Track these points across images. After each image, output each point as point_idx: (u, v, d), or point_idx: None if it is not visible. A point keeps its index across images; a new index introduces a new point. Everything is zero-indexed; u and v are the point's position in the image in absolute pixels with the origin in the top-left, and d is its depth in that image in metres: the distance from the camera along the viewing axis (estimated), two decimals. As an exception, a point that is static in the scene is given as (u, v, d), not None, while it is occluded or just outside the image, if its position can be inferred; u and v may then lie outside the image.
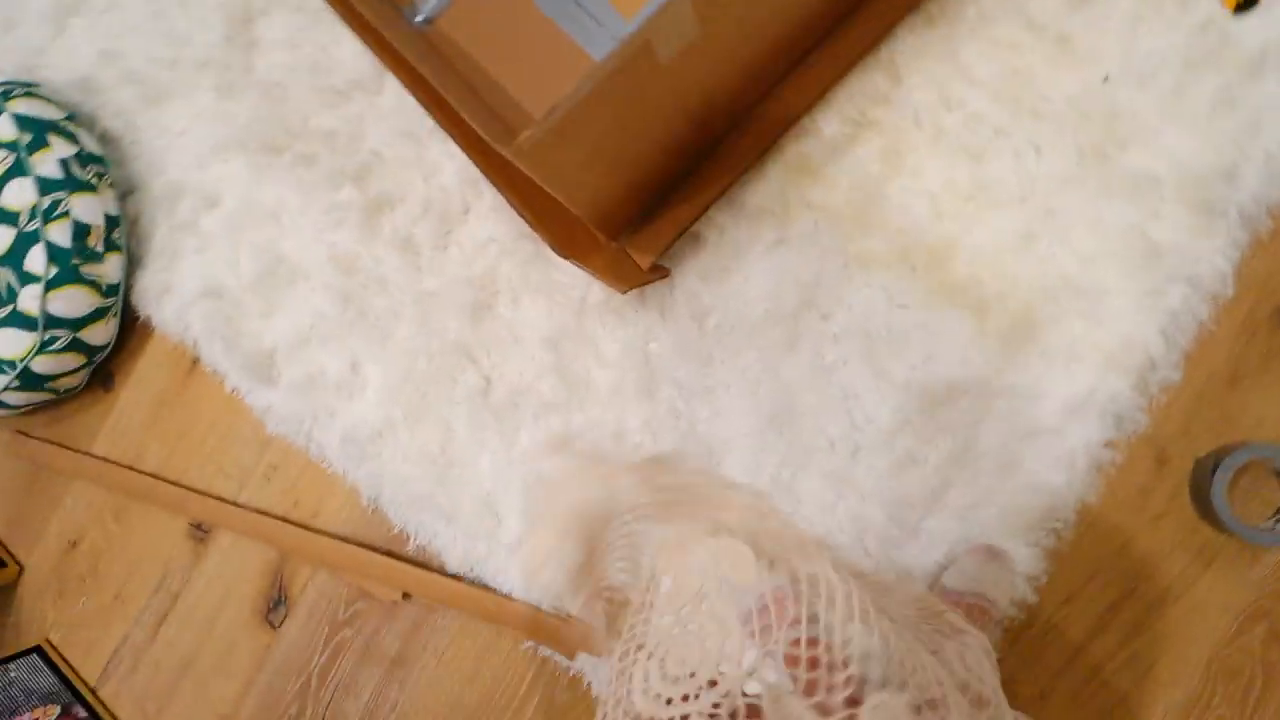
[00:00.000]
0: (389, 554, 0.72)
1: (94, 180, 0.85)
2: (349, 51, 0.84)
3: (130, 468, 0.84)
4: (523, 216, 0.66)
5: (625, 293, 0.62)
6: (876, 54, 0.68)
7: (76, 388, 0.87)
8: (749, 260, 0.66)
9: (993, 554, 0.55)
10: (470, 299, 0.73)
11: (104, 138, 0.92)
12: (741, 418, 0.64)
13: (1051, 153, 0.63)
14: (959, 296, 0.62)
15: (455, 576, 0.69)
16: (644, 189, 0.63)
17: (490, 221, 0.74)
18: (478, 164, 0.69)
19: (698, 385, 0.66)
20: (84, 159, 0.85)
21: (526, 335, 0.71)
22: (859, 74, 0.68)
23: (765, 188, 0.67)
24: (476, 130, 0.52)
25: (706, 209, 0.65)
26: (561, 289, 0.70)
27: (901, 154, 0.66)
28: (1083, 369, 0.59)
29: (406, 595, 0.71)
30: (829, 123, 0.68)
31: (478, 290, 0.73)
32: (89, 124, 0.92)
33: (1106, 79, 0.64)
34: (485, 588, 0.68)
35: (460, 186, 0.76)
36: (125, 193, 0.89)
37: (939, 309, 0.62)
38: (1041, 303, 0.61)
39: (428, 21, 0.75)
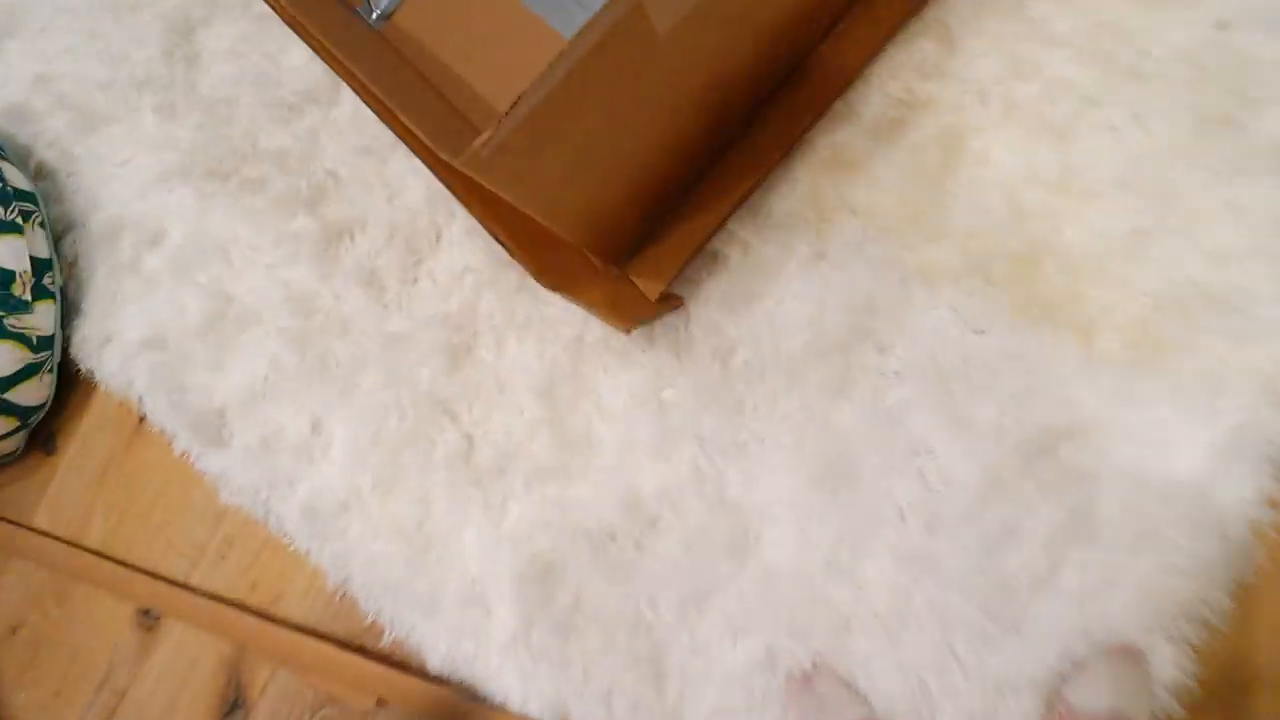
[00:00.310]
0: (360, 651, 0.60)
1: (19, 220, 0.74)
2: (299, 59, 0.73)
3: (73, 543, 0.73)
4: (498, 240, 0.54)
5: (630, 332, 0.49)
6: (922, 15, 0.54)
7: (13, 454, 0.76)
8: (781, 281, 0.53)
9: (1131, 657, 0.42)
10: (446, 341, 0.61)
11: (39, 171, 0.82)
12: (783, 480, 0.51)
13: (1160, 123, 0.50)
14: (1054, 315, 0.49)
15: (438, 679, 0.57)
16: (646, 200, 0.51)
17: (465, 247, 0.62)
18: (444, 179, 0.57)
19: (726, 440, 0.53)
20: (8, 196, 0.74)
21: (514, 383, 0.58)
22: (901, 41, 0.55)
23: (795, 190, 0.54)
24: (424, 140, 0.40)
25: (725, 221, 0.52)
26: (554, 326, 0.58)
27: (965, 137, 0.52)
28: (1227, 403, 0.45)
29: (381, 702, 0.58)
30: (868, 104, 0.54)
31: (454, 330, 0.61)
32: (21, 157, 0.81)
33: (1222, 24, 0.50)
34: (474, 694, 0.55)
35: (429, 207, 0.63)
36: (62, 232, 0.79)
37: (1029, 332, 0.49)
38: (1165, 317, 0.47)
39: (384, 18, 0.64)
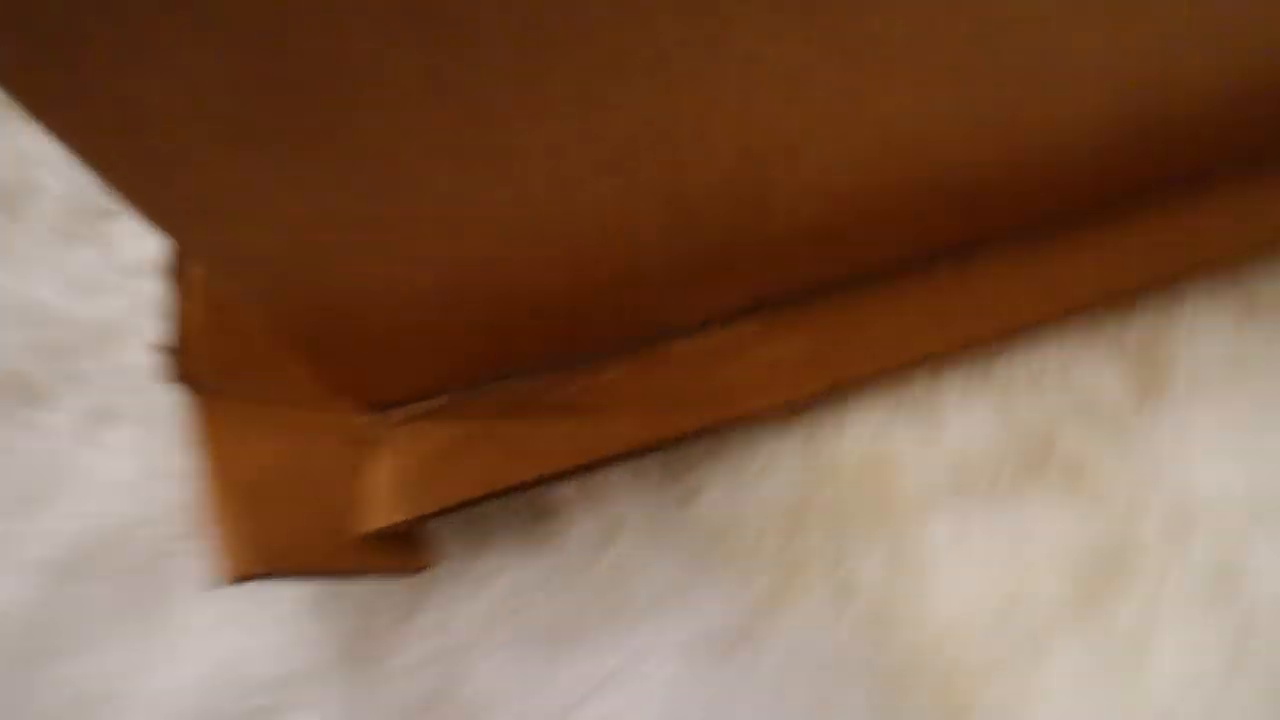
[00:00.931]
0: None
1: None
2: None
3: None
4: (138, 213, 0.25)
5: (241, 581, 0.20)
6: (1129, 321, 0.30)
7: None
8: (637, 636, 0.24)
9: None
10: (23, 358, 0.30)
11: None
12: None
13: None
14: None
15: None
16: (486, 313, 0.23)
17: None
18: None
19: None
20: None
21: (59, 504, 0.28)
22: (1085, 332, 0.29)
23: (765, 484, 0.26)
24: None
25: (611, 459, 0.24)
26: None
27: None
28: None
29: None
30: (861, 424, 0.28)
31: (49, 354, 0.30)
32: None
33: None
34: None
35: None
36: None
37: None
38: None
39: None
